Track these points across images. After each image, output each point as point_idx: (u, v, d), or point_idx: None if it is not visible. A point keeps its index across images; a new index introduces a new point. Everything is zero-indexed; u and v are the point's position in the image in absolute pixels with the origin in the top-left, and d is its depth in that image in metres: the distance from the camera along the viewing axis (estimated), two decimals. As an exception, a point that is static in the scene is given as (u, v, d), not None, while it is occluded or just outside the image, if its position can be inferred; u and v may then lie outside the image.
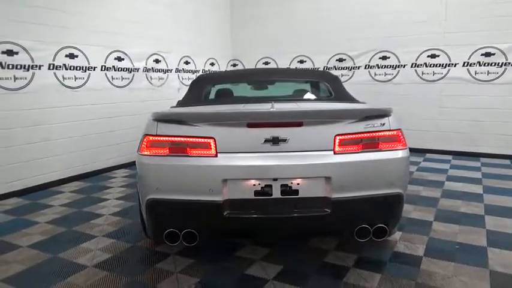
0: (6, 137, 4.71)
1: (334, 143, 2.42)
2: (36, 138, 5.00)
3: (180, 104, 3.32)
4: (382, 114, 2.51)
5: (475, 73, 6.45)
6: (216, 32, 8.36)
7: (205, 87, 3.52)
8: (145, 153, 2.52)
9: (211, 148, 2.41)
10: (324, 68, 7.73)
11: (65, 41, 5.25)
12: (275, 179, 2.39)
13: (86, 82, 5.58)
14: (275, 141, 2.37)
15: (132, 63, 6.25)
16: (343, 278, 2.72)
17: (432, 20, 6.65)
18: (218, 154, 2.41)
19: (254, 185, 2.40)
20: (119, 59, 6.04)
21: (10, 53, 4.67)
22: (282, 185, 2.39)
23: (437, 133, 6.94)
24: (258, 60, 8.41)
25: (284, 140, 2.37)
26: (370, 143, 2.47)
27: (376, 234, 2.52)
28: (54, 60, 5.15)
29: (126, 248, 3.30)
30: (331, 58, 7.65)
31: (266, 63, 8.35)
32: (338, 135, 2.42)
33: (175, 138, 2.46)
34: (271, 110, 2.49)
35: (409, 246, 3.22)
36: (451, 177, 5.40)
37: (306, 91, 3.67)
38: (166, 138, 2.48)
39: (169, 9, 7.01)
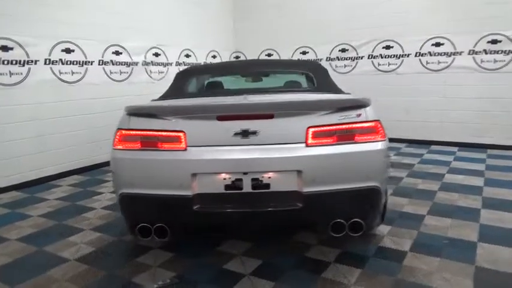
0: (4, 132, 4.77)
1: (307, 136, 2.35)
2: (34, 132, 5.06)
3: (161, 97, 3.30)
4: (358, 105, 2.42)
5: (481, 61, 6.24)
6: (218, 23, 8.30)
7: (188, 80, 3.49)
8: (119, 147, 2.51)
9: (181, 142, 2.38)
10: (326, 59, 7.59)
11: (61, 36, 5.28)
12: (245, 173, 2.34)
13: (83, 77, 5.61)
14: (245, 134, 2.32)
15: (130, 57, 6.26)
16: (321, 273, 2.66)
17: (436, 7, 6.44)
18: (188, 148, 2.37)
19: (224, 179, 2.35)
20: (117, 53, 6.05)
21: (5, 48, 4.72)
22: (252, 179, 2.34)
23: (443, 124, 6.75)
24: (261, 52, 8.31)
25: (254, 133, 2.32)
26: (345, 135, 2.39)
27: (352, 229, 2.45)
28: (50, 55, 5.18)
29: (110, 242, 3.31)
30: (333, 48, 7.50)
31: (269, 54, 8.25)
32: (311, 127, 2.35)
33: (147, 132, 2.44)
34: (241, 102, 2.43)
35: (396, 241, 3.13)
36: (452, 169, 5.25)
37: (292, 82, 3.58)
38: (138, 132, 2.46)
39: (169, 2, 6.98)
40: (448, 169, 5.26)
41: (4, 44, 4.71)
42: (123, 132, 2.50)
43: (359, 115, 2.40)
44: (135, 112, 2.50)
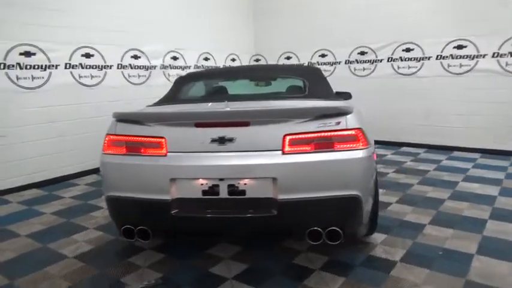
0: (26, 132, 5.05)
1: (284, 143, 2.36)
2: (54, 133, 5.31)
3: (156, 103, 3.39)
4: (337, 113, 2.40)
5: (506, 64, 5.94)
6: (238, 26, 8.37)
7: (186, 86, 3.57)
8: (107, 152, 2.63)
9: (162, 147, 2.45)
10: (345, 62, 7.49)
11: (80, 41, 5.52)
12: (221, 179, 2.38)
13: (102, 80, 5.83)
14: (221, 141, 2.36)
15: (148, 60, 6.45)
16: (304, 280, 2.66)
17: (458, 8, 6.20)
18: (168, 153, 2.44)
19: (202, 184, 2.40)
20: (135, 57, 6.25)
21: (27, 54, 5.00)
22: (229, 185, 2.38)
23: (465, 129, 6.48)
24: (280, 55, 8.31)
25: (231, 140, 2.35)
26: (324, 143, 2.37)
27: (330, 238, 2.43)
28: (70, 59, 5.43)
29: (109, 241, 3.44)
30: (352, 51, 7.39)
31: (288, 57, 8.24)
32: (287, 134, 2.36)
33: (131, 138, 2.53)
34: (218, 109, 2.48)
35: (388, 250, 3.07)
36: (468, 177, 5.05)
37: (291, 88, 3.57)
38: (124, 138, 2.56)
39: (187, 5, 7.12)
40: (464, 177, 5.06)
41: (27, 49, 4.99)
42: (111, 137, 2.61)
43: (338, 123, 2.38)
44: (121, 118, 2.60)
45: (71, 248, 3.32)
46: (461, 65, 6.34)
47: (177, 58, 6.94)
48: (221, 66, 7.84)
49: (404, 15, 6.72)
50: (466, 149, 6.48)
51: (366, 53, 7.24)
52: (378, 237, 3.29)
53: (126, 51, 6.13)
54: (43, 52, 5.14)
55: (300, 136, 2.36)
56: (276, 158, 2.33)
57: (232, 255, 3.05)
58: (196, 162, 2.37)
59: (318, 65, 7.81)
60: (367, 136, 2.48)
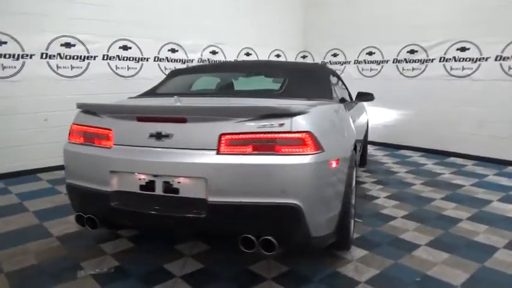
0: (63, 118, 5.41)
1: (219, 143, 2.24)
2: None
3: (139, 95, 3.44)
4: (280, 113, 2.22)
5: None
6: (285, 21, 8.17)
7: (171, 80, 3.57)
8: (69, 140, 2.74)
9: (109, 139, 2.48)
10: (393, 61, 6.95)
11: (119, 34, 5.82)
12: (156, 175, 2.33)
13: (138, 72, 6.11)
14: (158, 136, 2.31)
15: (186, 54, 6.60)
16: (249, 289, 2.53)
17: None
18: (114, 146, 2.46)
19: (139, 179, 2.38)
20: (173, 50, 6.44)
21: (68, 45, 5.40)
22: (164, 182, 2.32)
23: (525, 142, 5.67)
24: (327, 52, 7.99)
25: (167, 136, 2.30)
26: (263, 145, 2.21)
27: (264, 247, 2.26)
28: (108, 51, 5.77)
29: (95, 225, 3.58)
30: (401, 49, 6.82)
31: (334, 54, 7.88)
32: (224, 134, 2.23)
33: (87, 128, 2.61)
34: (156, 104, 2.42)
35: (360, 268, 2.79)
36: (508, 197, 4.40)
37: (260, 85, 3.38)
38: (82, 128, 2.65)
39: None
40: (503, 196, 4.42)
41: (68, 41, 5.40)
42: (74, 126, 2.71)
43: (281, 125, 2.19)
44: (82, 108, 2.69)
45: (60, 228, 3.52)
46: (524, 68, 5.53)
47: (216, 52, 7.01)
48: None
49: (461, 11, 6.03)
50: (525, 165, 5.67)
51: (416, 51, 6.64)
52: (357, 253, 3.01)
53: (164, 45, 6.33)
54: (82, 43, 5.51)
55: (237, 136, 2.22)
56: (208, 158, 2.22)
57: (195, 253, 2.99)
58: (133, 157, 2.36)
59: (365, 63, 7.37)
60: (319, 141, 2.26)
